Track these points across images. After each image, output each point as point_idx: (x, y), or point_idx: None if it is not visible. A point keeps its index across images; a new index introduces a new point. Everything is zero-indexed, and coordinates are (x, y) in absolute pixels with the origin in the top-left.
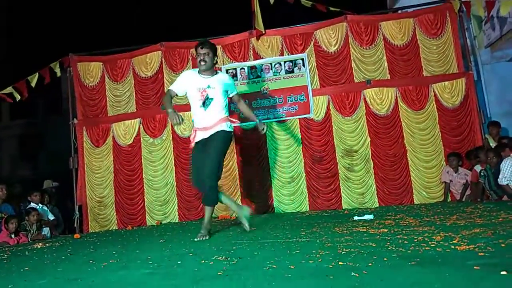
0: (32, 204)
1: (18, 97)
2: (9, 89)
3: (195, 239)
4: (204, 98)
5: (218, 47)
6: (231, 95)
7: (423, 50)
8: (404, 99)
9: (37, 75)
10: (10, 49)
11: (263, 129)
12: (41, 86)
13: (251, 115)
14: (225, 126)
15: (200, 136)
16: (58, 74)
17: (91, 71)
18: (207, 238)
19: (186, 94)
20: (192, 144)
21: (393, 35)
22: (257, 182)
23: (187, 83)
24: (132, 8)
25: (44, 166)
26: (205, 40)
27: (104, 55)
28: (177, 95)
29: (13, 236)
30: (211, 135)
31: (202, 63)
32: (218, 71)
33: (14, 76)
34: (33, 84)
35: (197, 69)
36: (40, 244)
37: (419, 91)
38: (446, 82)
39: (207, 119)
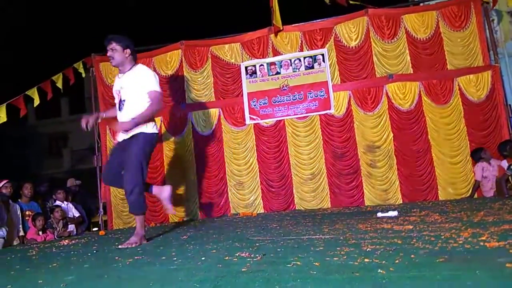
0: (57, 202)
1: (37, 100)
2: (33, 90)
3: (120, 247)
4: (119, 100)
5: (237, 44)
6: (147, 92)
7: (447, 43)
8: (428, 93)
9: (61, 75)
10: (31, 50)
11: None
12: (65, 86)
13: (140, 120)
14: (145, 128)
15: (122, 136)
16: (84, 74)
17: (113, 70)
18: (138, 244)
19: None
20: (115, 142)
21: (416, 28)
22: (277, 179)
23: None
24: (152, 7)
25: (68, 165)
26: (111, 35)
27: None
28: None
29: (40, 233)
30: (130, 139)
31: (111, 59)
32: (135, 65)
33: (37, 77)
34: (59, 84)
35: None
36: (67, 241)
37: (443, 85)
38: (471, 76)
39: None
